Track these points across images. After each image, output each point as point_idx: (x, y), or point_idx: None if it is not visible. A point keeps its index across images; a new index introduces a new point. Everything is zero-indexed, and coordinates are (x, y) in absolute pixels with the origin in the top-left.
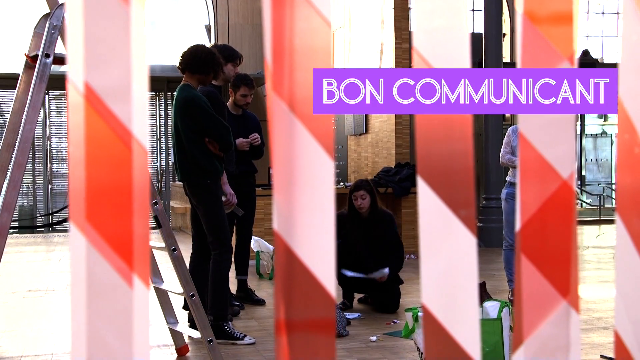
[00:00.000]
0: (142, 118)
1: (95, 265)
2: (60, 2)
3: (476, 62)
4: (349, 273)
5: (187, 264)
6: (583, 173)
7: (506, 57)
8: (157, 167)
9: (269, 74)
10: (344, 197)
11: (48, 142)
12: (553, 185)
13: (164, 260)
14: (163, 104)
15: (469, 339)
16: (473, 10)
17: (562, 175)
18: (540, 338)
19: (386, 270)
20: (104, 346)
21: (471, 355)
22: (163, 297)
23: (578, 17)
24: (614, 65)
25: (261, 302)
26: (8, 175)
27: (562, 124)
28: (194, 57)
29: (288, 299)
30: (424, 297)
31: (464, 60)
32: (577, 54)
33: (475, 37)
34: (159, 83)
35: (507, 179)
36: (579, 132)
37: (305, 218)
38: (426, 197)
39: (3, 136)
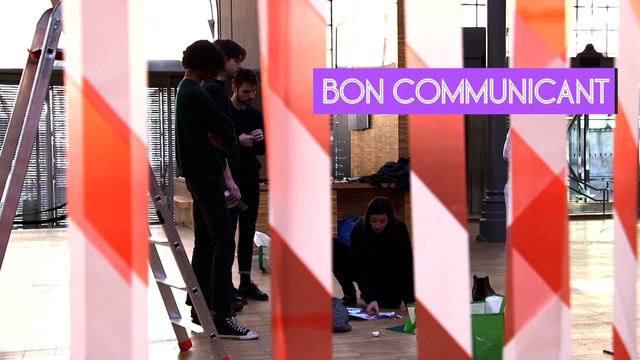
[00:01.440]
0: (140, 113)
1: (93, 263)
2: None
3: (479, 57)
4: (354, 312)
5: (190, 259)
6: (587, 168)
7: (509, 52)
8: (161, 162)
9: (265, 70)
10: (347, 192)
11: (52, 137)
12: (545, 181)
13: (166, 255)
14: (166, 100)
15: (460, 330)
16: (476, 4)
17: (553, 170)
18: (531, 332)
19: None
20: (103, 344)
21: (462, 345)
22: (166, 292)
23: (570, 14)
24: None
25: (264, 297)
26: (11, 170)
27: (554, 120)
28: (192, 53)
29: (284, 294)
30: (417, 290)
31: (456, 57)
32: (569, 50)
33: (478, 32)
34: (162, 78)
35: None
36: (582, 127)
37: (301, 213)
38: (419, 192)
39: (6, 131)
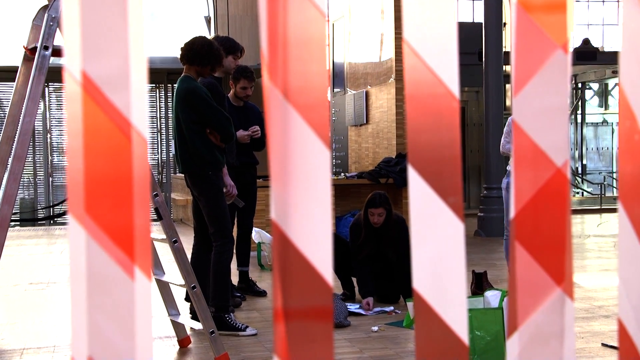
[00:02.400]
0: (141, 107)
1: (95, 258)
2: None
3: (476, 52)
4: (353, 307)
5: (189, 256)
6: (584, 162)
7: (506, 47)
8: (158, 159)
9: (265, 64)
10: (345, 188)
11: (48, 135)
12: (547, 173)
13: (165, 252)
14: (163, 96)
15: (458, 320)
16: None
17: (556, 163)
18: (535, 325)
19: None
20: (106, 340)
21: (460, 335)
22: (164, 288)
23: (572, 5)
24: (614, 54)
25: (262, 293)
26: (8, 168)
27: (556, 112)
28: (190, 49)
29: (285, 288)
30: (415, 282)
31: (453, 52)
32: (571, 42)
33: (475, 27)
34: (159, 75)
35: (508, 168)
36: (579, 121)
37: (302, 207)
38: (417, 185)
39: (3, 129)
